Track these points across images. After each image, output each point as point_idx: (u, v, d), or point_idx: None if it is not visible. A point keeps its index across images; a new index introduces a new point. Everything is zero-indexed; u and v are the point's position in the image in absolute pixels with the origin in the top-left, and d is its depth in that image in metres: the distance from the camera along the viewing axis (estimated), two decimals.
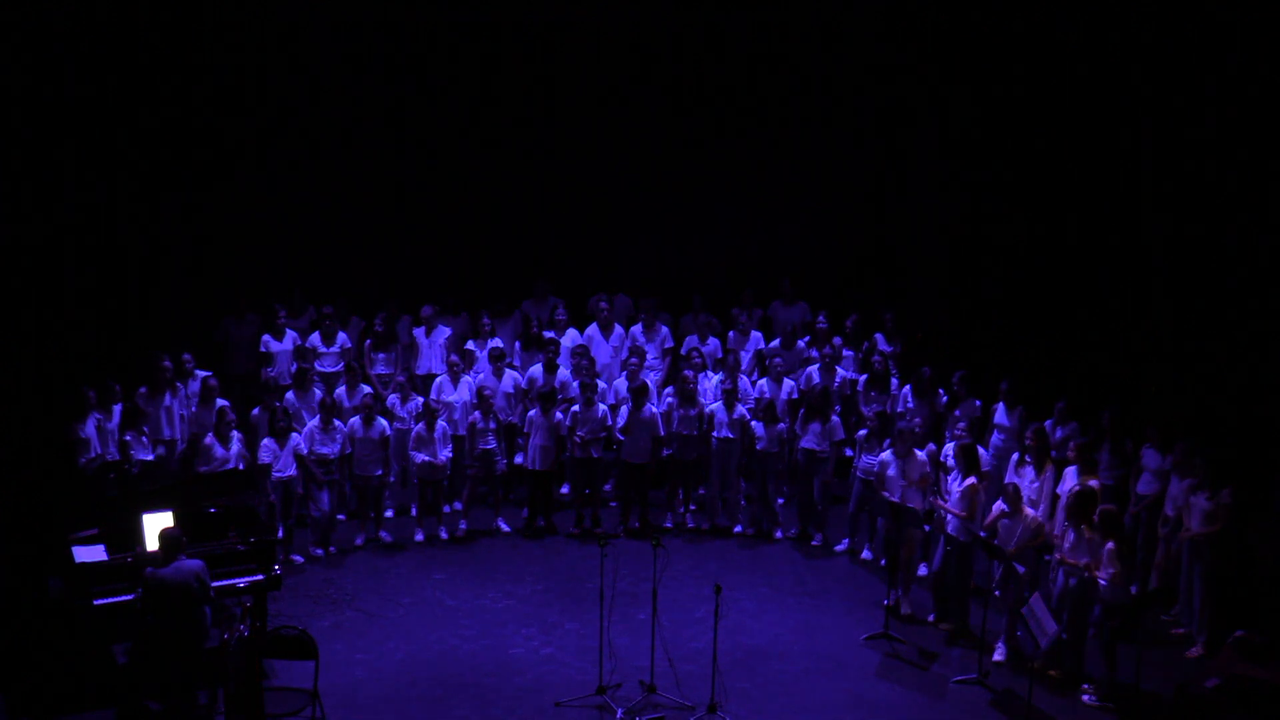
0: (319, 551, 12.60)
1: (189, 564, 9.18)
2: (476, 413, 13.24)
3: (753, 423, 13.25)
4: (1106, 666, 10.18)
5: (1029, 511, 10.87)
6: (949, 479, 11.48)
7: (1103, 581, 10.11)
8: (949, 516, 11.21)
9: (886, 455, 11.96)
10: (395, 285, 15.30)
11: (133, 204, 14.64)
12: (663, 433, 13.36)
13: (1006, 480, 11.47)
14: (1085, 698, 10.24)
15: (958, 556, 11.22)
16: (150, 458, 12.17)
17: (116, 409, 12.34)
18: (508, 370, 13.96)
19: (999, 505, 10.90)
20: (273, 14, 15.02)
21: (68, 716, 9.66)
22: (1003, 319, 15.44)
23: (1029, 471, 11.67)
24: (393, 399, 13.61)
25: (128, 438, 12.03)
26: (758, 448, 13.18)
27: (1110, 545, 10.06)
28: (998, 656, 10.82)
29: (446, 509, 13.48)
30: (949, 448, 11.88)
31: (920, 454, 11.88)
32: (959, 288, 16.05)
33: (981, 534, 10.84)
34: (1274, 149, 12.44)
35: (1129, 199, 14.06)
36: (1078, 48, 14.39)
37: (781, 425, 13.23)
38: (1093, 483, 11.15)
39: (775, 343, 14.67)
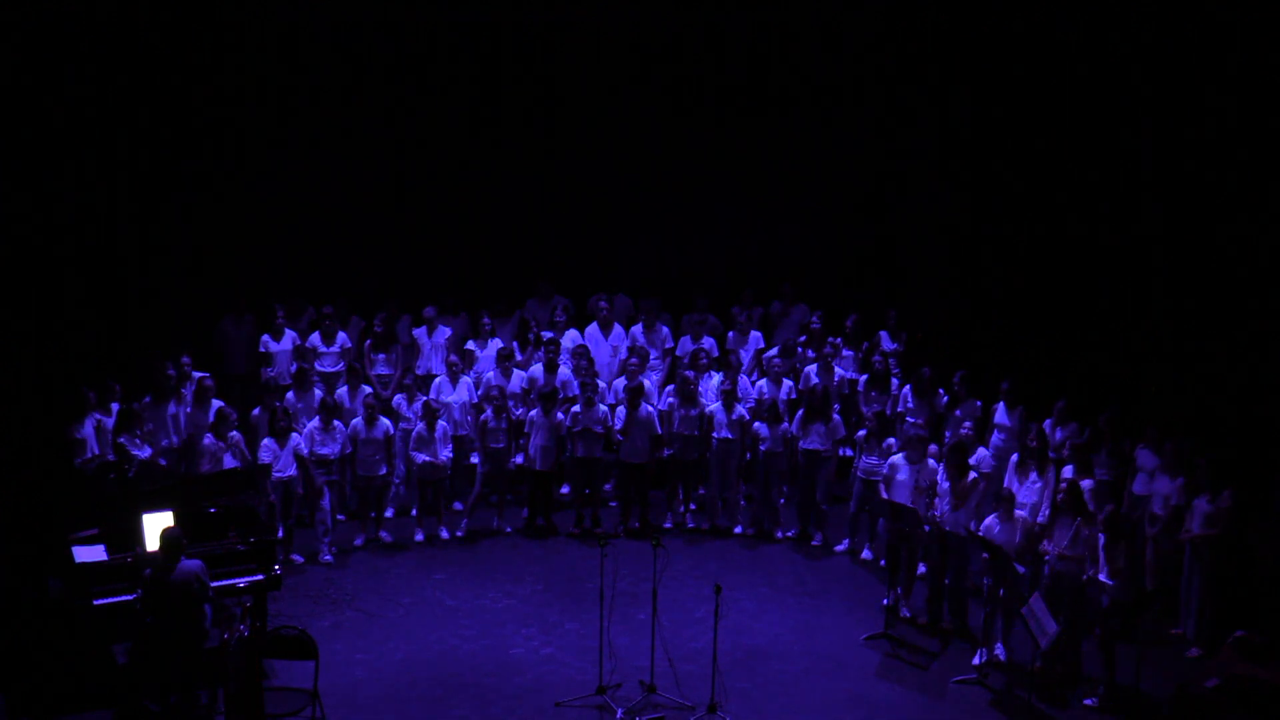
0: (328, 557, 12.52)
1: (189, 565, 9.17)
2: (488, 412, 13.23)
3: (756, 424, 13.25)
4: (1105, 666, 10.18)
5: (1019, 514, 10.85)
6: (939, 476, 11.48)
7: (1108, 581, 10.11)
8: (946, 515, 11.19)
9: (898, 459, 11.90)
10: (395, 285, 15.29)
11: (133, 204, 14.63)
12: (660, 432, 13.35)
13: (1006, 483, 11.46)
14: (1086, 700, 10.24)
15: (955, 555, 11.22)
16: (146, 455, 12.15)
17: (116, 409, 12.33)
18: (515, 370, 13.96)
19: (994, 518, 10.87)
20: (273, 14, 15.01)
21: (68, 716, 9.66)
22: (1003, 319, 15.43)
23: (1031, 474, 11.64)
24: (399, 399, 13.59)
25: (121, 440, 12.01)
26: (761, 449, 13.17)
27: (1120, 544, 10.07)
28: (991, 656, 10.81)
29: (451, 508, 13.48)
30: None
31: (932, 460, 11.84)
32: (959, 288, 16.05)
33: (980, 533, 10.83)
34: (1274, 149, 12.44)
35: (1129, 199, 14.05)
36: (1078, 48, 14.39)
37: (784, 425, 13.23)
38: (1087, 482, 11.14)
39: (775, 350, 14.63)
